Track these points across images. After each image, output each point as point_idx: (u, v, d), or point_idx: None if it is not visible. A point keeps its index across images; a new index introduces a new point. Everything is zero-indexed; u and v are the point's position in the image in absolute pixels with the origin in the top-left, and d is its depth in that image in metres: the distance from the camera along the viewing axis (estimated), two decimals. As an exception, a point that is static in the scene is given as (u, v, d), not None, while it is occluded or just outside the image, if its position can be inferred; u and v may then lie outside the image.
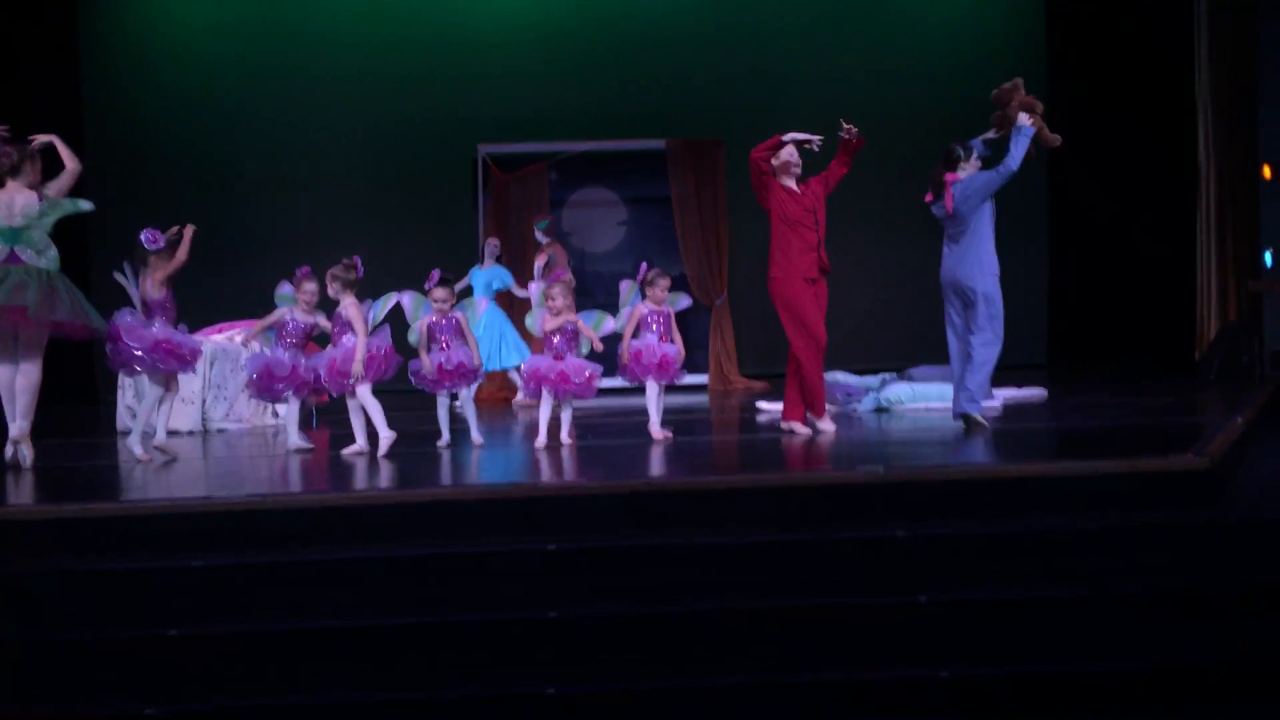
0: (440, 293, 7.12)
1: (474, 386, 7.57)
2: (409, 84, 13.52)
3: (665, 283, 7.34)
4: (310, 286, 7.14)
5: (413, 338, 7.24)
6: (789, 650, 4.70)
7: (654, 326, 7.30)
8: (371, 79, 13.55)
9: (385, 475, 6.23)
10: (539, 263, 11.03)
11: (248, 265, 12.31)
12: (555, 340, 7.13)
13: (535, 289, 7.42)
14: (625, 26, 13.72)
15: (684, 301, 7.63)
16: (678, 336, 7.37)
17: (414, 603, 4.84)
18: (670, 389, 7.84)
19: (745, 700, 4.59)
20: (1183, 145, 11.53)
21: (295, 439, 7.25)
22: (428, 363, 7.10)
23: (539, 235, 11.28)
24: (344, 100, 13.57)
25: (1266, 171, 10.90)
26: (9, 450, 6.58)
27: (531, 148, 12.68)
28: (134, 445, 6.87)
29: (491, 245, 11.13)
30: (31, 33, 12.35)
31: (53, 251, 6.54)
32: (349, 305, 6.97)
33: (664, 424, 7.34)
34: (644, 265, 7.48)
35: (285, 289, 7.32)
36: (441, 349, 7.11)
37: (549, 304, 7.16)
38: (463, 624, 4.78)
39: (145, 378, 6.97)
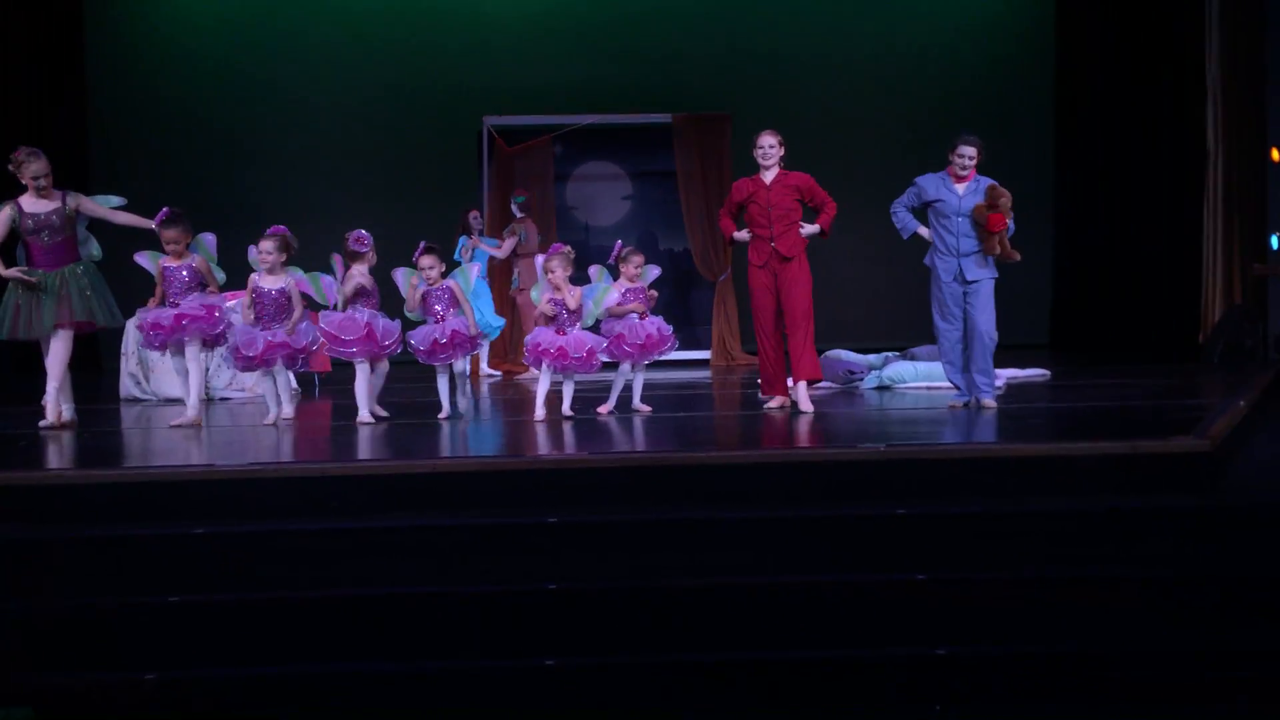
0: (427, 260, 7.06)
1: (471, 356, 7.54)
2: (415, 55, 13.45)
3: (638, 259, 7.41)
4: (267, 245, 7.01)
5: (409, 310, 7.21)
6: (785, 627, 4.72)
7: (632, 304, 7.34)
8: (377, 50, 13.48)
9: (384, 447, 6.24)
10: (509, 241, 11.01)
11: (253, 236, 12.25)
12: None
13: (539, 262, 7.38)
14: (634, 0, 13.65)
15: (654, 271, 7.67)
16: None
17: (411, 573, 4.85)
18: (673, 364, 7.86)
19: (738, 676, 4.61)
20: (1191, 127, 11.44)
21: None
22: (422, 334, 7.08)
23: (514, 209, 11.27)
24: (349, 71, 13.50)
25: (1275, 154, 10.84)
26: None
27: (537, 120, 12.62)
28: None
29: (474, 218, 11.08)
30: (36, 6, 12.29)
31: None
32: (359, 274, 6.99)
33: (645, 399, 7.48)
34: (618, 243, 7.58)
35: (251, 254, 7.12)
36: (436, 320, 7.08)
37: (549, 276, 7.12)
38: (461, 595, 4.79)
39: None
